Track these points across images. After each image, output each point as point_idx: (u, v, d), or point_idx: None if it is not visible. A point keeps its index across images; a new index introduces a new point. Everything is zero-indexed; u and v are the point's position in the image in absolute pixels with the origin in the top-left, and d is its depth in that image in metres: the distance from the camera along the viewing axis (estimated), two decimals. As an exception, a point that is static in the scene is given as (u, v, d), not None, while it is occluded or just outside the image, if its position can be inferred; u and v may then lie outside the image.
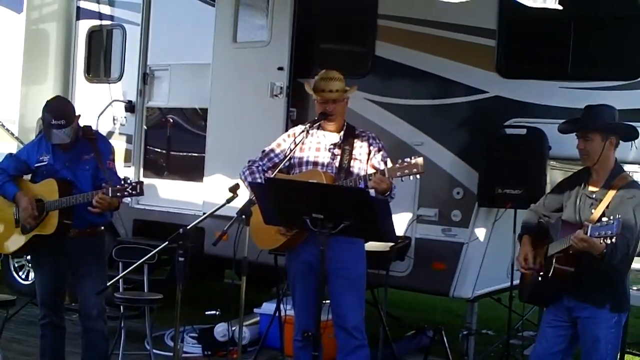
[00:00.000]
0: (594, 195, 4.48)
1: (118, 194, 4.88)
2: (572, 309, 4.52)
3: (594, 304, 4.42)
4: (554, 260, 4.42)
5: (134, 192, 4.90)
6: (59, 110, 5.13)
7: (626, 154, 5.94)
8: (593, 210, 4.40)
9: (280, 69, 7.25)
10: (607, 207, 4.36)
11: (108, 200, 4.91)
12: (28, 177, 5.37)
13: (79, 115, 5.26)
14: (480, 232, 6.42)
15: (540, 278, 4.58)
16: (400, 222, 6.52)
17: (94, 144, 5.21)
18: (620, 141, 4.63)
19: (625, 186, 4.41)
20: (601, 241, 4.02)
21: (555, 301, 4.61)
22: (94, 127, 5.49)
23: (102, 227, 5.42)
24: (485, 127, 6.41)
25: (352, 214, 4.16)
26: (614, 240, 4.00)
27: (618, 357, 4.61)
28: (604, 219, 4.07)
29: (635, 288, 6.82)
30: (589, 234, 4.06)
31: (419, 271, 6.63)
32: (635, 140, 4.79)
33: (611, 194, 4.39)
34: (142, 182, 4.97)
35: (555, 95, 6.12)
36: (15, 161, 5.38)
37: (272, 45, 7.36)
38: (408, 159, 4.55)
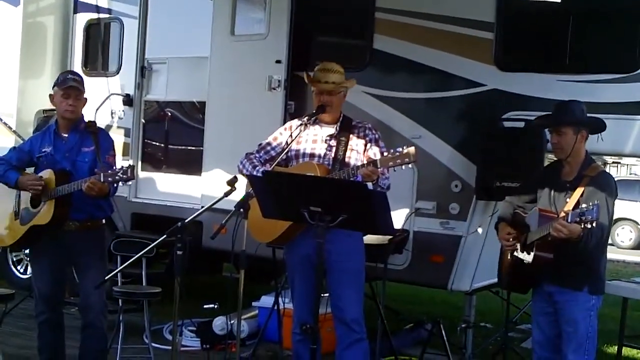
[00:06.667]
0: (567, 185, 4.68)
1: (109, 178, 4.87)
2: (552, 293, 4.72)
3: (572, 287, 4.63)
4: (533, 248, 4.61)
5: (124, 176, 4.87)
6: (76, 72, 5.79)
7: (623, 146, 5.97)
8: (567, 200, 4.61)
9: (278, 62, 7.24)
10: (582, 195, 4.55)
11: (99, 185, 4.90)
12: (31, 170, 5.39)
13: (86, 99, 5.36)
14: (478, 225, 6.43)
15: (519, 265, 4.77)
16: (399, 215, 6.52)
17: (95, 137, 5.25)
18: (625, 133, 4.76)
19: (597, 176, 4.64)
20: (582, 226, 4.20)
21: (535, 288, 4.84)
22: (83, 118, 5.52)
23: (103, 221, 5.42)
24: (483, 120, 6.41)
25: (350, 207, 4.16)
26: (594, 224, 4.18)
27: (601, 345, 4.73)
28: (583, 205, 4.28)
29: (630, 280, 6.83)
30: (569, 220, 4.25)
31: (417, 264, 6.63)
32: (602, 133, 4.92)
33: (584, 183, 4.60)
34: (132, 166, 4.96)
35: (553, 88, 6.11)
36: (18, 152, 5.43)
37: (270, 39, 7.35)
38: (400, 149, 4.55)
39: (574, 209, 4.37)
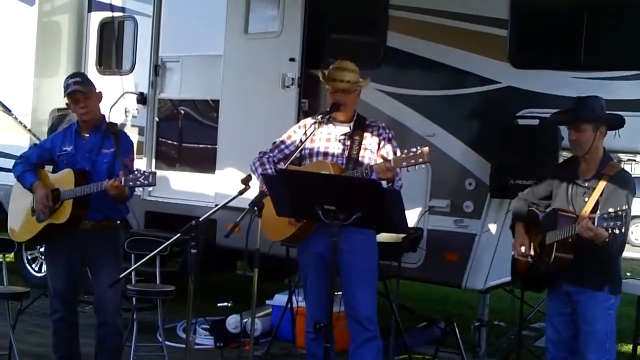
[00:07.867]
0: (586, 184, 4.59)
1: (130, 183, 4.91)
2: (571, 293, 4.64)
3: (592, 287, 4.56)
4: (553, 249, 4.53)
5: (146, 182, 4.92)
6: (77, 74, 5.94)
7: (638, 144, 5.94)
8: (586, 199, 4.52)
9: (292, 60, 7.24)
10: (601, 195, 4.47)
11: (121, 189, 4.94)
12: (50, 168, 5.42)
13: (101, 93, 5.38)
14: (493, 223, 6.41)
15: (536, 265, 4.72)
16: (412, 213, 6.51)
17: (116, 139, 5.27)
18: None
19: (617, 175, 4.54)
20: (609, 231, 4.15)
21: (552, 288, 4.76)
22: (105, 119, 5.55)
23: (119, 222, 5.44)
24: (497, 117, 6.39)
25: (364, 205, 4.15)
26: (623, 230, 4.13)
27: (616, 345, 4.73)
28: (610, 209, 4.16)
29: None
30: (596, 225, 4.18)
31: (431, 262, 6.62)
32: (620, 130, 4.86)
33: (603, 182, 4.51)
34: (154, 172, 5.00)
35: (567, 85, 6.08)
36: (39, 149, 5.48)
37: (283, 36, 7.35)
38: (414, 149, 4.56)
39: (593, 208, 4.31)
